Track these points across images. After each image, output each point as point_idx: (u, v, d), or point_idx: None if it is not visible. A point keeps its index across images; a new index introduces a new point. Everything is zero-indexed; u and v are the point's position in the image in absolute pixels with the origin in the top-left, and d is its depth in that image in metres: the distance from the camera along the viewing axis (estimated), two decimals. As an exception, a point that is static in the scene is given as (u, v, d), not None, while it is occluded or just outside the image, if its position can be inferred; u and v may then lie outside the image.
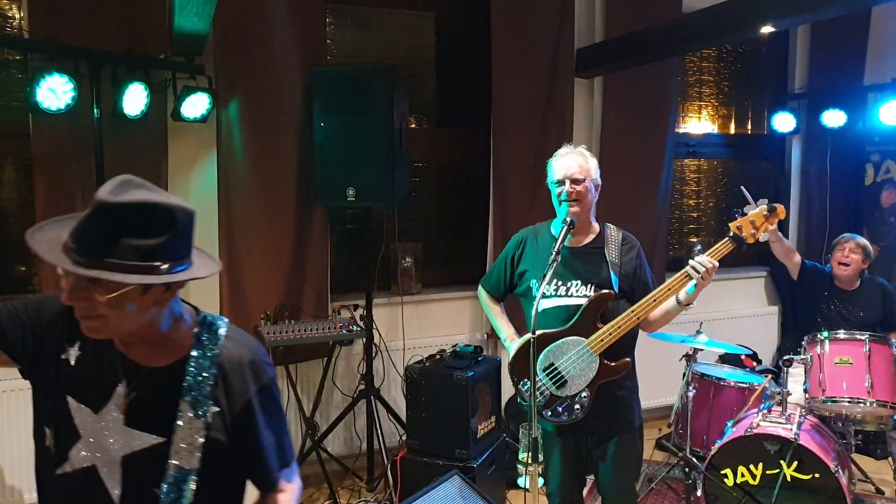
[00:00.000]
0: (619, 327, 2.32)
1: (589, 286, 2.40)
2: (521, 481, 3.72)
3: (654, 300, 2.32)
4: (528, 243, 2.59)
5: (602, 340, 2.32)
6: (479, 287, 2.75)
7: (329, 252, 3.84)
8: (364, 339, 3.67)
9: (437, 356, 3.55)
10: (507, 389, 4.06)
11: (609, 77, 4.51)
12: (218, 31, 3.36)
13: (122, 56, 3.11)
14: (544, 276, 2.26)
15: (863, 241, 3.86)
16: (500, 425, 3.64)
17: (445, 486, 2.67)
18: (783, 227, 5.04)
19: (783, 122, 5.05)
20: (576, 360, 2.36)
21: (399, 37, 4.31)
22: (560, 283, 2.42)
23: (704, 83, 5.25)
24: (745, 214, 2.33)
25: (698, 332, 3.54)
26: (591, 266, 2.44)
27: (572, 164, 2.42)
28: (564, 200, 2.39)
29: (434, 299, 4.19)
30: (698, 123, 5.26)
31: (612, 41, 4.29)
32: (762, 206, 2.32)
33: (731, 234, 2.34)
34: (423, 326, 4.12)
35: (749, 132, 5.45)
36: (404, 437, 3.58)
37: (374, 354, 3.73)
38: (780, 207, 2.32)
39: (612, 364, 2.36)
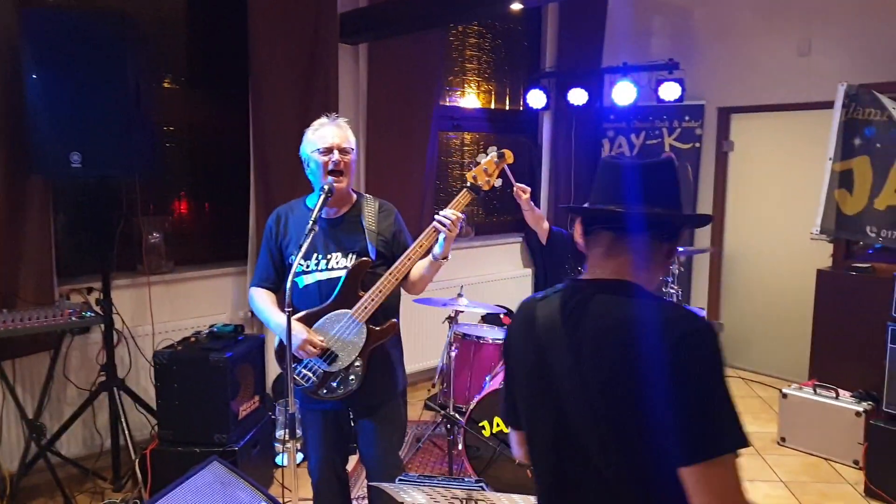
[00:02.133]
0: (380, 291, 2.31)
1: (350, 256, 2.36)
2: (278, 459, 3.58)
3: (409, 259, 2.33)
4: (287, 220, 2.46)
5: (366, 308, 2.30)
6: (250, 293, 2.52)
7: (52, 229, 3.30)
8: (103, 326, 3.26)
9: (192, 339, 3.28)
10: (273, 367, 3.90)
11: (375, 45, 4.46)
12: None
13: None
14: (300, 247, 2.16)
15: (599, 207, 4.29)
16: (265, 404, 3.48)
17: (203, 473, 2.47)
18: (535, 196, 5.45)
19: (536, 98, 5.43)
20: (343, 332, 2.32)
21: (142, -17, 3.84)
22: (320, 256, 2.36)
23: (467, 57, 5.45)
24: (479, 164, 2.42)
25: (459, 296, 3.69)
26: (349, 236, 2.39)
27: (340, 133, 2.35)
28: (332, 171, 2.31)
29: (189, 278, 3.84)
30: (461, 98, 5.45)
31: (375, 7, 4.24)
32: (492, 155, 2.41)
33: (469, 184, 2.41)
34: (178, 308, 3.77)
35: (507, 107, 5.79)
36: (156, 429, 3.26)
37: (116, 342, 3.33)
38: (507, 152, 2.43)
39: (379, 328, 2.35)
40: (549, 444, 1.30)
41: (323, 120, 2.40)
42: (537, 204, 5.06)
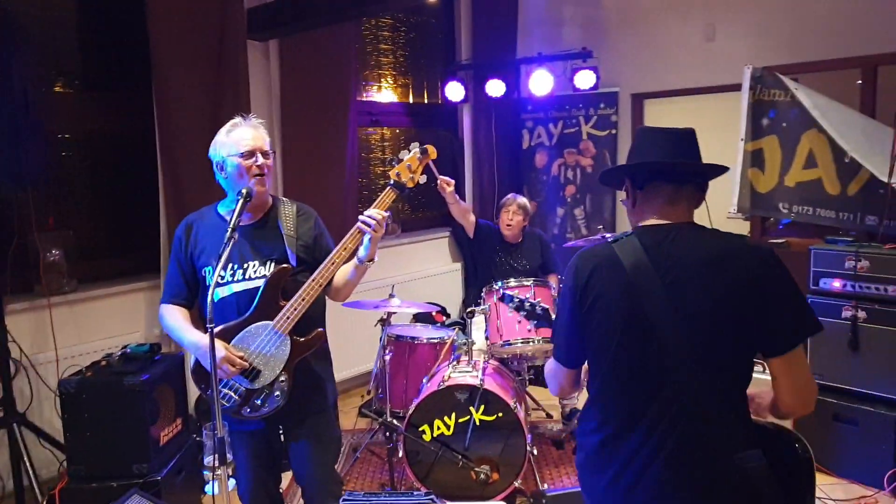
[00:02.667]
0: (303, 300, 2.17)
1: (268, 264, 2.22)
2: (207, 488, 3.32)
3: (333, 263, 2.21)
4: (197, 229, 2.29)
5: (288, 318, 2.16)
6: (160, 311, 2.31)
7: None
8: (-2, 356, 2.97)
9: (103, 362, 3.02)
10: (195, 387, 3.68)
11: (286, 41, 4.28)
12: None
13: None
14: (220, 256, 1.99)
15: (523, 201, 4.29)
16: (188, 427, 3.26)
17: (124, 508, 2.28)
18: (460, 189, 5.41)
19: (454, 91, 5.38)
20: (265, 345, 2.17)
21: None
22: (236, 266, 2.21)
23: (382, 52, 5.33)
24: (402, 161, 2.36)
25: (391, 296, 3.58)
26: (267, 243, 2.25)
27: (258, 135, 2.22)
28: (256, 175, 2.17)
29: (96, 296, 3.55)
30: (378, 93, 5.33)
31: (284, 1, 4.05)
32: (415, 151, 2.36)
33: (392, 181, 2.34)
34: (84, 331, 3.48)
35: (426, 101, 5.70)
36: (65, 465, 2.99)
37: (14, 373, 3.04)
38: (430, 148, 2.38)
39: (304, 339, 2.21)
40: (636, 369, 1.51)
41: (237, 121, 2.25)
42: (462, 197, 5.01)
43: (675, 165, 1.59)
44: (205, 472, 3.35)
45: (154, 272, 3.75)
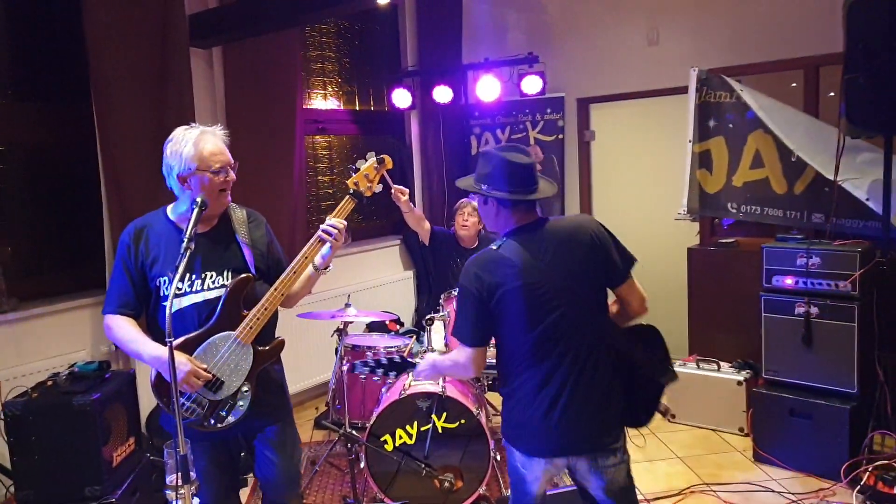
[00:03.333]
0: (265, 309, 2.17)
1: (226, 274, 2.19)
2: None
3: (294, 272, 2.21)
4: (147, 236, 2.21)
5: (251, 327, 2.16)
6: (106, 322, 2.22)
7: None
8: (-65, 381, 2.80)
9: (49, 382, 2.89)
10: (147, 403, 3.56)
11: (229, 48, 4.21)
12: None
13: None
14: (177, 268, 1.91)
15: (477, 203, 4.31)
16: (140, 445, 3.16)
17: (77, 534, 2.19)
18: (410, 196, 5.40)
19: (400, 98, 5.38)
20: (228, 356, 2.15)
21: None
22: (194, 276, 2.16)
23: (327, 59, 5.29)
24: (359, 170, 2.38)
25: (347, 305, 3.55)
26: (223, 251, 2.22)
27: (225, 149, 2.22)
28: (222, 189, 2.20)
29: (38, 314, 3.40)
30: (324, 100, 5.29)
31: (226, 7, 3.99)
32: (371, 160, 2.40)
33: (351, 190, 2.36)
34: (26, 350, 3.33)
35: (372, 108, 5.69)
36: (12, 491, 2.85)
37: (-47, 397, 2.88)
38: (387, 157, 2.43)
39: (266, 348, 2.22)
40: (547, 328, 2.06)
41: (201, 131, 2.19)
42: (414, 204, 5.01)
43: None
44: (166, 492, 3.23)
45: (99, 287, 3.62)
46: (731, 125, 3.94)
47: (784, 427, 3.56)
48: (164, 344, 1.88)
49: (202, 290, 2.17)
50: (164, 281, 2.15)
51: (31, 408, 2.70)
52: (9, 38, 3.55)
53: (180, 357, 2.05)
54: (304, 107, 4.85)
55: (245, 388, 2.17)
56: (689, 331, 4.64)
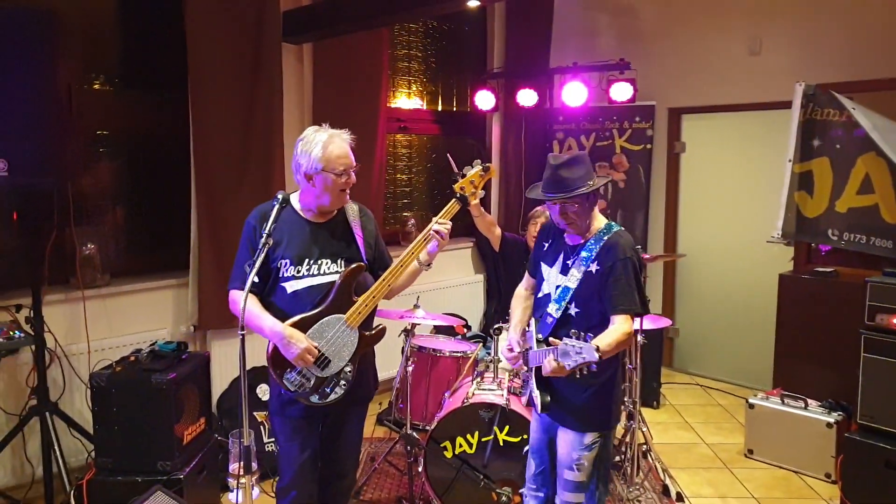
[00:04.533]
0: (373, 297, 2.35)
1: (339, 261, 2.38)
2: (231, 497, 3.31)
3: (402, 265, 2.37)
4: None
5: (359, 313, 2.34)
6: (232, 295, 2.36)
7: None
8: (33, 346, 3.00)
9: (132, 358, 3.06)
10: (218, 386, 3.70)
11: (319, 45, 4.30)
12: None
13: None
14: (255, 260, 2.14)
15: (552, 213, 4.22)
16: (210, 426, 3.28)
17: (146, 504, 2.31)
18: (485, 200, 5.37)
19: (484, 99, 5.35)
20: (336, 337, 2.33)
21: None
22: (311, 261, 2.35)
23: (413, 58, 5.33)
24: (465, 176, 2.51)
25: (416, 307, 3.56)
26: (338, 241, 2.40)
27: (349, 152, 2.33)
28: (342, 190, 2.34)
29: (126, 291, 3.59)
30: (408, 99, 5.33)
31: (319, 4, 4.08)
32: (477, 167, 2.53)
33: (458, 195, 2.50)
34: (115, 324, 3.52)
35: (455, 109, 5.69)
36: (93, 456, 3.02)
37: (48, 362, 3.09)
38: (492, 167, 2.58)
39: (370, 333, 2.40)
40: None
41: (330, 134, 2.30)
42: (487, 209, 4.97)
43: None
44: (229, 479, 3.34)
45: (182, 270, 3.78)
46: (837, 145, 3.63)
47: (879, 479, 3.22)
48: (283, 321, 2.21)
49: (318, 274, 2.35)
50: (286, 263, 2.32)
51: (114, 381, 2.87)
52: (119, 29, 3.76)
53: (298, 334, 2.24)
54: (388, 105, 4.90)
55: (348, 369, 2.35)
56: (776, 362, 4.32)
